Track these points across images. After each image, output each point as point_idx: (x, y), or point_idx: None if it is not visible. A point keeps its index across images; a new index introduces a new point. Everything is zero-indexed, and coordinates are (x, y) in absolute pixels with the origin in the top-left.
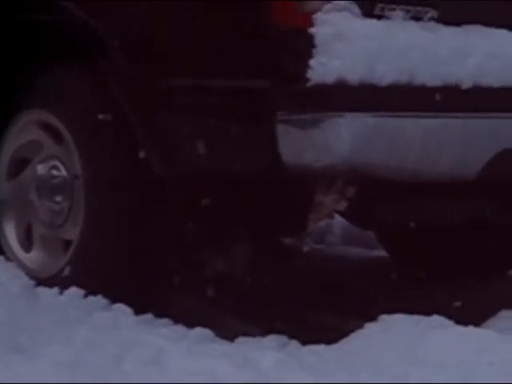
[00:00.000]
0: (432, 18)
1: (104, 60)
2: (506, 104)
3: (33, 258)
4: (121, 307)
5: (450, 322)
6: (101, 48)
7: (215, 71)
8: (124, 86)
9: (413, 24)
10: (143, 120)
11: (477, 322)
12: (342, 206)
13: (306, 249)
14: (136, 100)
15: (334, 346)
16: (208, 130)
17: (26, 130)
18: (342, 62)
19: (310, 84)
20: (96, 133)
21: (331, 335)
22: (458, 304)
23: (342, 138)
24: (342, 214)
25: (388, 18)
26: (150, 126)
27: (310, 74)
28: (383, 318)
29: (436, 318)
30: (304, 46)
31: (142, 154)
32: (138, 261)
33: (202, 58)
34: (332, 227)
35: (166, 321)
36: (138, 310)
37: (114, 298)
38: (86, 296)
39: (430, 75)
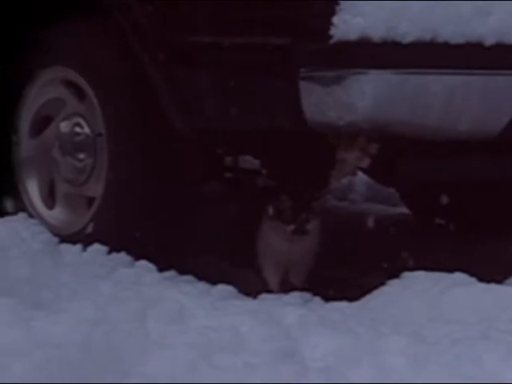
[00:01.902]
0: None
1: (124, 15)
2: None
3: (56, 214)
4: (144, 264)
5: (472, 279)
6: (121, 2)
7: (238, 28)
8: (145, 42)
9: None
10: (164, 75)
11: (499, 279)
12: (365, 163)
13: (328, 205)
14: (157, 56)
15: (355, 303)
16: (230, 87)
17: (48, 87)
18: (365, 20)
19: (333, 41)
20: (118, 89)
21: (353, 292)
22: (480, 261)
23: (365, 94)
24: (364, 171)
25: None
26: (171, 82)
27: (333, 31)
28: (405, 274)
29: (458, 275)
30: (327, 3)
31: (162, 111)
32: (161, 218)
33: (225, 14)
34: (355, 184)
35: (189, 278)
36: (161, 267)
37: (137, 255)
38: (109, 253)
39: (452, 32)
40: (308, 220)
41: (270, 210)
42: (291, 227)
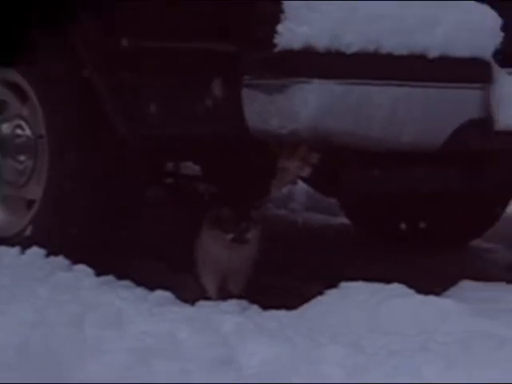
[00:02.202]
0: None
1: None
2: (472, 74)
3: None
4: (82, 268)
5: (410, 291)
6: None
7: (182, 34)
8: (88, 46)
9: None
10: (107, 80)
11: (437, 291)
12: (306, 172)
13: (269, 214)
14: (100, 60)
15: (293, 312)
16: (173, 93)
17: None
18: (310, 29)
19: (277, 49)
20: (60, 92)
21: (292, 301)
22: (418, 273)
23: (308, 104)
24: (305, 180)
25: None
26: (114, 87)
27: (277, 39)
28: (344, 284)
29: (396, 287)
30: (272, 12)
31: (104, 115)
32: (100, 222)
33: (169, 20)
34: (295, 193)
35: (126, 283)
36: (100, 272)
37: (75, 259)
38: (47, 256)
39: (396, 44)
40: (248, 229)
41: (210, 218)
42: (231, 236)
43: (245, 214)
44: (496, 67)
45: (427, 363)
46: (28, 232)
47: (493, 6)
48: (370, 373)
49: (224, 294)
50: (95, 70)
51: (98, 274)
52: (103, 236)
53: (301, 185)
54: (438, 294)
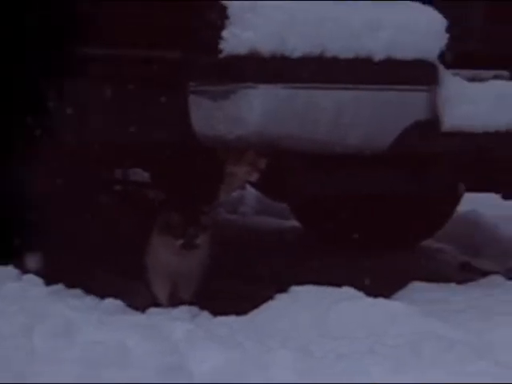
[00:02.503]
0: None
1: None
2: (417, 77)
3: None
4: (31, 278)
5: (359, 294)
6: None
7: (128, 40)
8: (34, 50)
9: None
10: (53, 86)
11: (386, 294)
12: (254, 177)
13: (219, 218)
14: (46, 65)
15: (243, 317)
16: (120, 99)
17: None
18: (255, 34)
19: (222, 55)
20: (5, 95)
21: (242, 306)
22: (368, 276)
23: (254, 109)
24: (254, 185)
25: None
26: (60, 93)
27: (222, 45)
28: (294, 289)
29: (346, 290)
30: (217, 17)
31: (49, 120)
32: (48, 230)
33: (116, 27)
34: (245, 198)
35: (76, 292)
36: (49, 281)
37: (23, 269)
38: None
39: (341, 47)
40: (197, 234)
41: (160, 224)
42: (180, 241)
43: (194, 219)
44: (442, 69)
45: (376, 365)
46: None
47: (437, 8)
48: (319, 376)
49: (175, 301)
50: (41, 75)
51: (47, 283)
52: (50, 245)
53: (251, 189)
54: (387, 296)
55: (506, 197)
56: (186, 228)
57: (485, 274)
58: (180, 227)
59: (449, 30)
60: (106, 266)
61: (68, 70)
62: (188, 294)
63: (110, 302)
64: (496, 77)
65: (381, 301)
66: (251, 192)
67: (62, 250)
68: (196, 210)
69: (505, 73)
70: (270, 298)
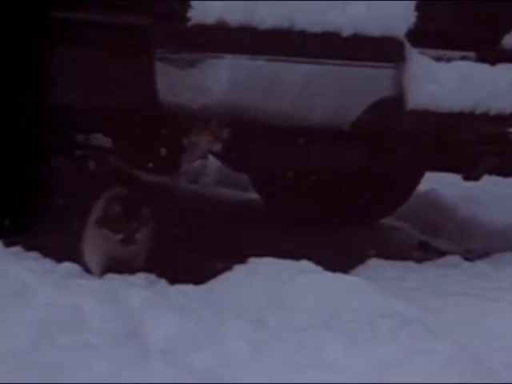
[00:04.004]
0: None
1: None
2: (384, 53)
3: None
4: None
5: (318, 268)
6: None
7: (97, 5)
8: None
9: None
10: (21, 47)
11: (345, 270)
12: (217, 147)
13: (178, 188)
14: (13, 28)
15: (201, 287)
16: (86, 64)
17: None
18: (223, 4)
19: (190, 23)
20: None
21: (200, 276)
22: (327, 250)
23: (219, 79)
24: (216, 155)
25: None
26: (27, 54)
27: (190, 13)
28: (252, 260)
29: (305, 263)
30: None
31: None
32: (6, 192)
33: None
34: (206, 168)
35: (34, 254)
36: (7, 243)
37: None
38: None
39: (309, 21)
40: (137, 229)
41: (98, 216)
42: (120, 236)
43: (135, 213)
44: (408, 46)
45: (331, 340)
46: None
47: None
48: (274, 349)
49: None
50: (8, 36)
51: (6, 244)
52: (9, 207)
53: (212, 159)
54: (346, 271)
55: (466, 178)
56: (126, 222)
57: (442, 253)
58: (120, 221)
59: (418, 8)
60: (65, 230)
61: (36, 33)
62: (139, 265)
63: (68, 266)
64: (463, 58)
65: (339, 276)
66: (212, 162)
67: (21, 212)
68: (138, 203)
69: (471, 54)
70: (229, 268)
